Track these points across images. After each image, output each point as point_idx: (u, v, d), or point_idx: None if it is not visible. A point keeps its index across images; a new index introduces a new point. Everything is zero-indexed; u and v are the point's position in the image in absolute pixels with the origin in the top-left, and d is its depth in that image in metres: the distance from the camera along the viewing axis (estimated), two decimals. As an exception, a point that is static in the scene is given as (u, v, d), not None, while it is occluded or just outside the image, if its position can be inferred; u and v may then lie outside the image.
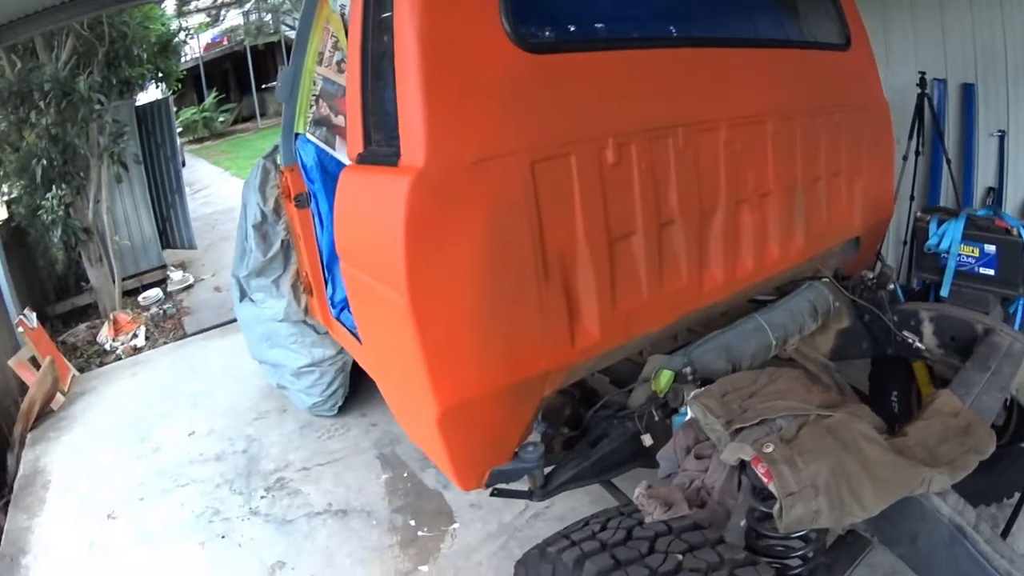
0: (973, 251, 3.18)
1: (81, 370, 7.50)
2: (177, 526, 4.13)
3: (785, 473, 1.76)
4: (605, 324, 2.31)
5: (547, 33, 2.41)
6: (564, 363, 2.26)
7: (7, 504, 4.98)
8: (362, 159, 2.38)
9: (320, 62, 3.50)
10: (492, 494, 2.46)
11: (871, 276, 3.20)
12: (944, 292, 3.31)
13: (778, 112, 2.84)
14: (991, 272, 3.14)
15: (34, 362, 6.29)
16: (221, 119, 25.48)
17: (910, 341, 2.95)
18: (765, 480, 1.78)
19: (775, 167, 2.86)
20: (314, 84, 3.53)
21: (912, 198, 5.23)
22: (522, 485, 2.56)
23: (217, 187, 17.03)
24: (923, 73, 4.94)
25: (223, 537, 3.95)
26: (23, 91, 7.24)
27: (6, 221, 9.00)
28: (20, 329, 6.36)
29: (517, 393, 2.20)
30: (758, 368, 2.54)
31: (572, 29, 2.56)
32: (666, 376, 2.37)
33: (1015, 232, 3.27)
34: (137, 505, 4.46)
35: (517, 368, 2.15)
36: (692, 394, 2.22)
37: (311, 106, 3.56)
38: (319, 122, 3.52)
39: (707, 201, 2.63)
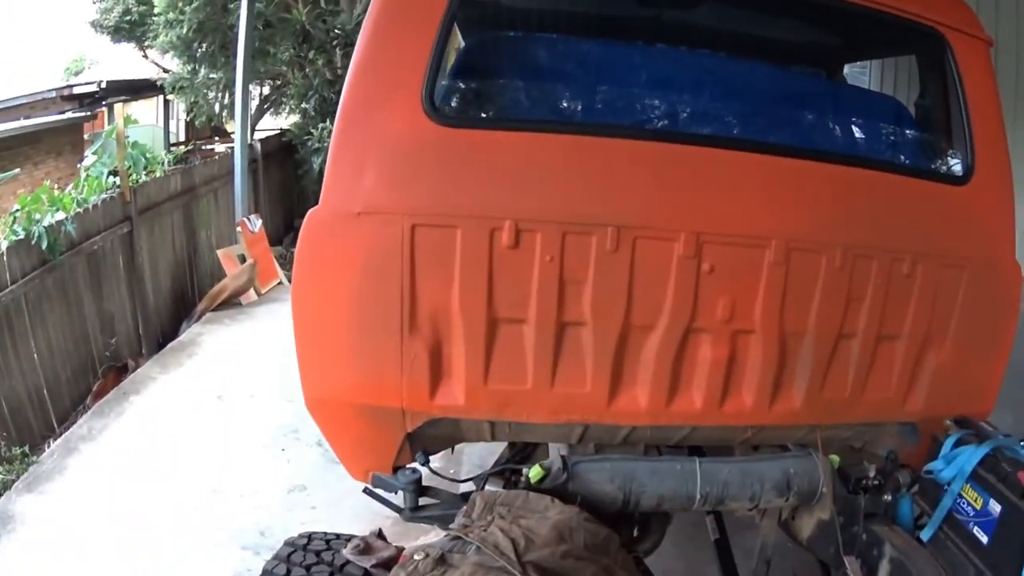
0: (977, 500, 2.22)
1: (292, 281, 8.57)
2: (258, 427, 4.78)
3: None
4: (472, 394, 2.33)
5: (464, 103, 2.46)
6: (421, 410, 2.37)
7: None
8: None
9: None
10: (364, 491, 2.62)
11: (872, 475, 2.54)
12: (925, 535, 2.42)
13: (791, 240, 2.34)
14: (983, 539, 2.21)
15: (244, 259, 7.40)
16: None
17: (841, 572, 2.36)
18: None
19: (768, 304, 2.38)
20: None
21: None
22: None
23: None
24: None
25: (283, 450, 4.51)
26: (307, 31, 8.23)
27: (280, 134, 10.43)
28: (239, 229, 7.41)
29: (377, 416, 2.37)
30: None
31: (499, 105, 2.53)
32: (535, 471, 2.32)
33: None
34: (245, 399, 5.23)
35: (372, 394, 2.33)
36: (477, 490, 2.31)
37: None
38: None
39: (640, 315, 2.32)
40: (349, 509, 3.62)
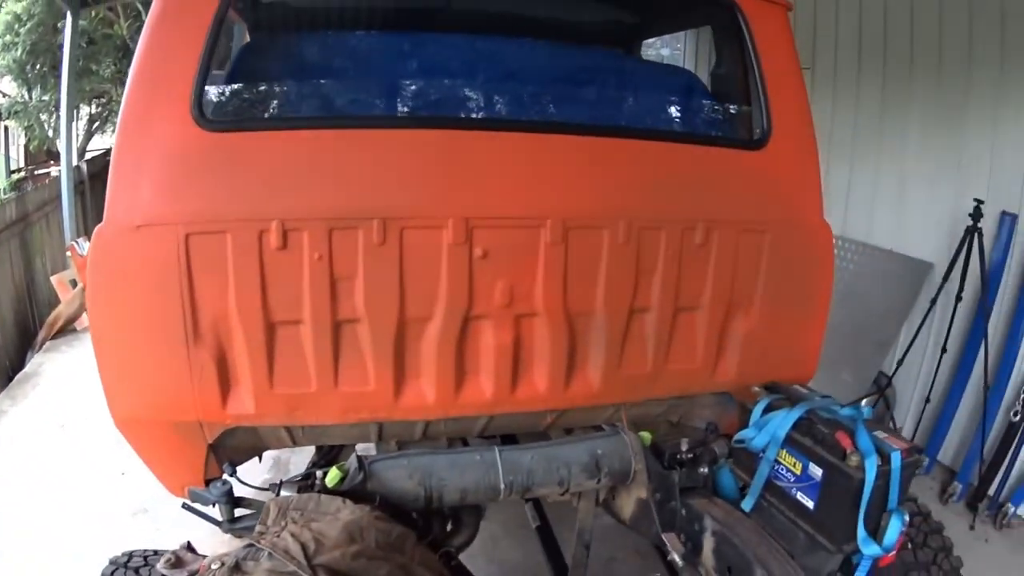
0: (795, 465, 2.22)
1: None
2: (98, 452, 4.60)
3: None
4: (260, 400, 2.30)
5: (232, 107, 2.37)
6: (216, 421, 2.34)
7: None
8: None
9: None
10: (183, 506, 2.56)
11: (686, 449, 2.50)
12: (747, 505, 2.37)
13: (568, 218, 2.28)
14: (809, 504, 2.18)
15: (76, 284, 7.03)
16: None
17: (666, 549, 2.30)
18: None
19: (550, 285, 2.32)
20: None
21: (944, 350, 4.19)
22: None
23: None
24: (980, 202, 3.88)
25: (123, 473, 4.36)
26: (128, 47, 7.90)
27: (106, 153, 9.91)
28: (68, 254, 7.04)
29: (178, 430, 2.34)
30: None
31: (264, 103, 2.46)
32: (332, 474, 2.22)
33: (855, 462, 2.06)
34: (84, 424, 5.14)
35: (170, 409, 2.30)
36: (272, 497, 2.23)
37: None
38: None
39: (415, 307, 2.25)
40: (192, 528, 3.51)
